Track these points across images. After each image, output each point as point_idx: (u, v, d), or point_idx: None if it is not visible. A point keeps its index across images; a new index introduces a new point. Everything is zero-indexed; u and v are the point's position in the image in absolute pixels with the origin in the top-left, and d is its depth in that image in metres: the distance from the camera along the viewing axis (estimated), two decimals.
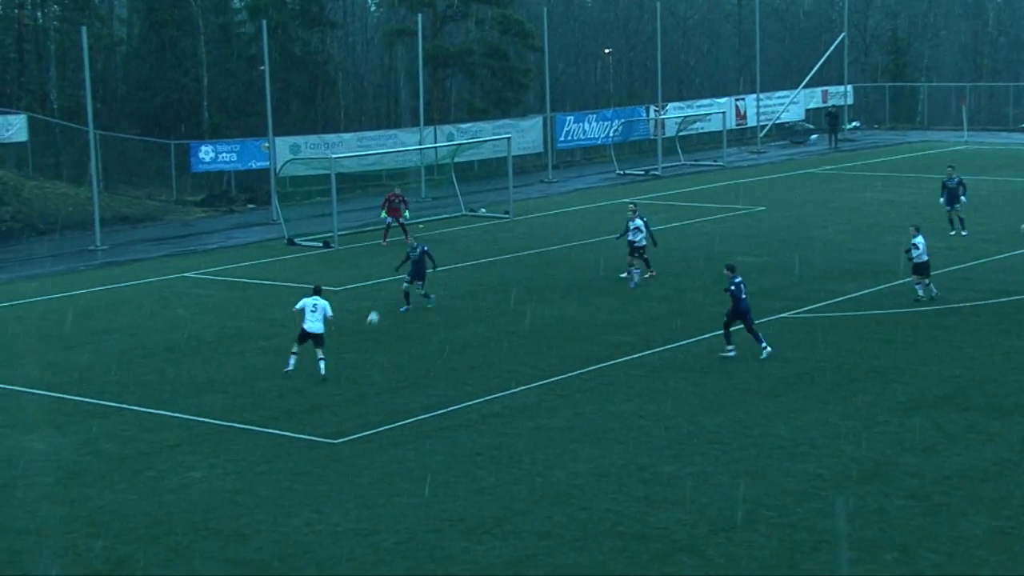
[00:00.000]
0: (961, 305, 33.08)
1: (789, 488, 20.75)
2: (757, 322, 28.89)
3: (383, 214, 43.62)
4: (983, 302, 33.41)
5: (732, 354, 28.50)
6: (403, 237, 40.72)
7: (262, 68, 52.87)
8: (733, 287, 28.49)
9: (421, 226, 46.99)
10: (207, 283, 39.25)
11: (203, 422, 25.05)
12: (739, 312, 28.55)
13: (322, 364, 27.63)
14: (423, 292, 33.67)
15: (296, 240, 45.11)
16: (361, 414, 25.29)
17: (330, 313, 27.92)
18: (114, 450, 23.57)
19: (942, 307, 32.87)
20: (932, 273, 33.55)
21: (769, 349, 28.33)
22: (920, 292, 33.36)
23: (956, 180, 42.93)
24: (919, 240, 33.17)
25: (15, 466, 22.79)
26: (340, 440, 23.74)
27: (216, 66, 65.75)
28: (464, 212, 50.17)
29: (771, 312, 32.35)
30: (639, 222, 35.88)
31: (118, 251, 45.49)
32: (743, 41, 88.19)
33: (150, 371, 28.99)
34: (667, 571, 17.94)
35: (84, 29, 47.39)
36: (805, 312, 32.86)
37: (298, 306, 28.01)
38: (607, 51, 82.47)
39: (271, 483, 21.60)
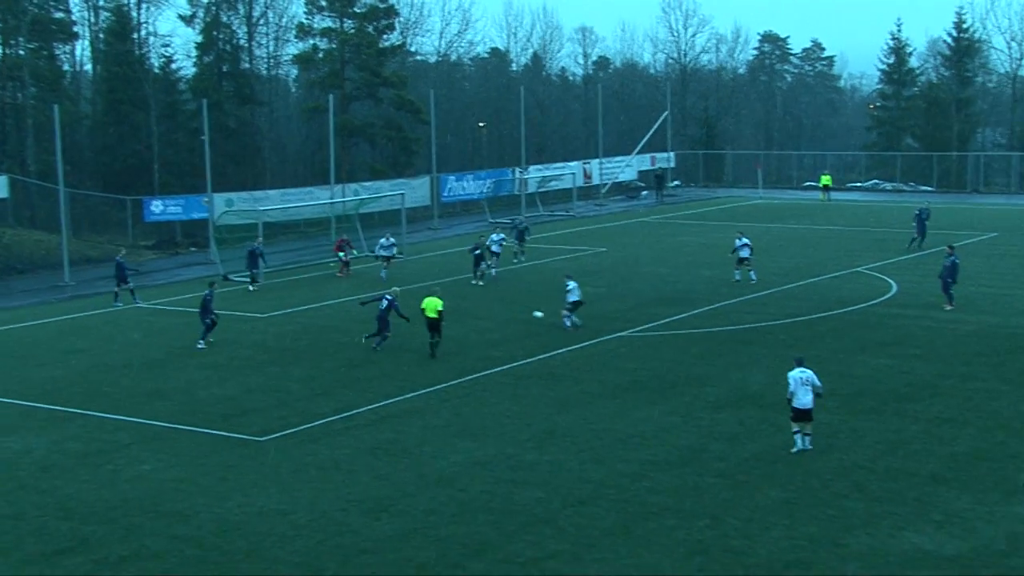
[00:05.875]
0: (757, 325, 33.70)
1: (625, 471, 20.93)
2: (604, 339, 29.19)
3: (341, 255, 44.66)
4: (774, 323, 34.07)
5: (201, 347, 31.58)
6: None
7: (202, 138, 52.02)
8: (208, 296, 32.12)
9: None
10: (157, 312, 38.49)
11: (153, 425, 24.55)
12: (207, 310, 31.87)
13: None
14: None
15: (230, 276, 44.45)
16: (282, 417, 24.97)
17: None
18: (79, 448, 23.00)
19: (744, 327, 33.45)
20: (729, 301, 33.77)
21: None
22: (567, 324, 32.84)
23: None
24: (572, 284, 32.94)
25: None
26: (265, 438, 23.42)
27: (165, 136, 64.92)
28: (367, 253, 49.86)
29: (610, 332, 32.70)
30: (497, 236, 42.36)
31: (84, 286, 44.32)
32: (589, 116, 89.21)
33: (109, 384, 28.33)
34: (528, 539, 17.98)
35: (56, 107, 46.42)
36: (637, 331, 33.21)
37: None
38: (481, 124, 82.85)
39: (209, 473, 21.23)
